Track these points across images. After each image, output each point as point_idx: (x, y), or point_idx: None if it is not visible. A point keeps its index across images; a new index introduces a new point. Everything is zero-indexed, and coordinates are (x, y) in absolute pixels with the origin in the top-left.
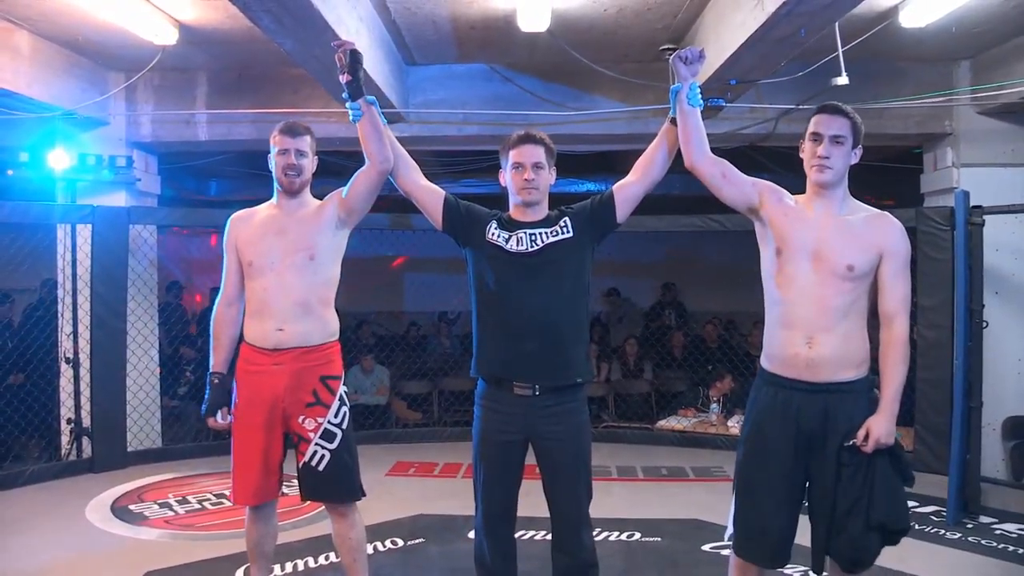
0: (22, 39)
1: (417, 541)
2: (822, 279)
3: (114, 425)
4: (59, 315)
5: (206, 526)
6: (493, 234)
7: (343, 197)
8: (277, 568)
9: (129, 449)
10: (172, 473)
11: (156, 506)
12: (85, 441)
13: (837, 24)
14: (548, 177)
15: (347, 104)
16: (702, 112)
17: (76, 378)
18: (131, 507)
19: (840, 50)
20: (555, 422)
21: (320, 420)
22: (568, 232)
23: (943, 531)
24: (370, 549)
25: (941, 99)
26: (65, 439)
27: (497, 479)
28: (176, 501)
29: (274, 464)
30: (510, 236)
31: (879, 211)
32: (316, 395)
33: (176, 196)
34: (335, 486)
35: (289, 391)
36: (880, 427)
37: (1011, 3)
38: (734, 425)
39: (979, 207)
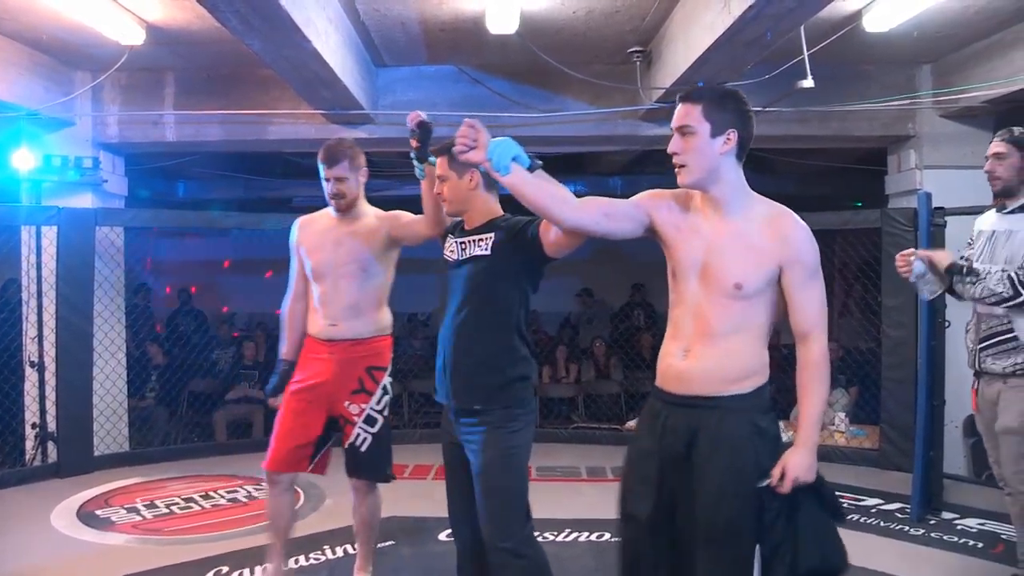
0: None
1: (388, 543)
2: (708, 298)
3: (80, 429)
4: (23, 318)
5: (174, 531)
6: (445, 245)
7: (396, 225)
8: (258, 570)
9: (96, 453)
10: (140, 477)
11: (123, 511)
12: (50, 446)
13: (803, 27)
14: (457, 185)
15: (415, 166)
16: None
17: (41, 382)
18: (98, 512)
19: (806, 53)
20: (468, 433)
21: (364, 406)
22: (486, 250)
23: (907, 527)
24: (341, 552)
25: (904, 102)
26: (30, 444)
27: (447, 479)
28: (144, 506)
29: (310, 438)
30: (451, 244)
31: (780, 210)
32: (361, 383)
33: (148, 197)
34: (372, 467)
35: (337, 378)
36: (797, 463)
37: (970, 9)
38: None
39: (941, 208)
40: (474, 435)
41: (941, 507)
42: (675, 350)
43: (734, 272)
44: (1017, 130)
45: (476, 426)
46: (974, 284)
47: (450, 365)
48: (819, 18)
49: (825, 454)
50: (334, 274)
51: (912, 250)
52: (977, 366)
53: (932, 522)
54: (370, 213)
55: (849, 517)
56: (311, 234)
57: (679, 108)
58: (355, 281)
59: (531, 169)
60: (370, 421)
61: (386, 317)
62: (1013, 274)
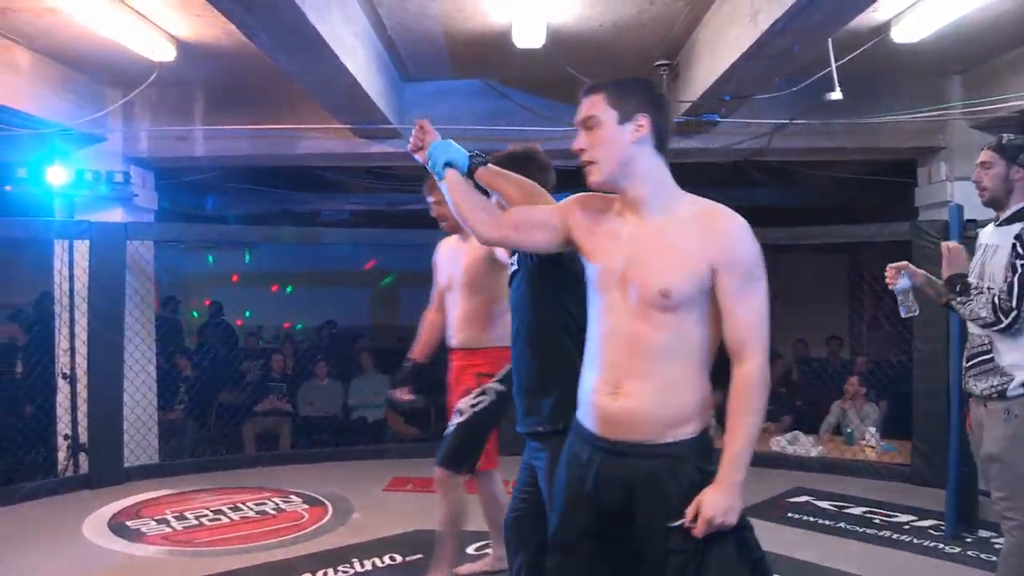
0: (21, 56)
1: (416, 557)
2: (634, 310)
3: (111, 441)
4: (56, 331)
5: (204, 542)
6: None
7: None
8: None
9: (126, 465)
10: (169, 489)
11: (153, 522)
12: (82, 457)
13: (830, 40)
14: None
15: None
16: (690, 127)
17: (73, 393)
18: (128, 523)
19: (833, 65)
20: (536, 459)
21: (461, 401)
22: (515, 264)
23: (942, 545)
24: (369, 565)
25: (934, 113)
26: (62, 455)
27: (514, 496)
28: (173, 517)
29: None
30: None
31: (712, 206)
32: (468, 387)
33: (174, 210)
34: (443, 451)
35: (454, 384)
36: (714, 502)
37: (1002, 19)
38: None
39: (973, 221)
40: (540, 461)
41: (977, 525)
42: (602, 383)
43: (658, 277)
44: (1006, 137)
45: (541, 451)
46: (963, 304)
47: (515, 389)
48: (847, 30)
49: (855, 468)
50: (451, 287)
51: (905, 263)
52: (964, 386)
53: (968, 540)
54: None
55: (882, 533)
56: (442, 251)
57: (582, 101)
58: (465, 295)
59: (471, 171)
60: (458, 412)
61: (499, 329)
62: (995, 299)
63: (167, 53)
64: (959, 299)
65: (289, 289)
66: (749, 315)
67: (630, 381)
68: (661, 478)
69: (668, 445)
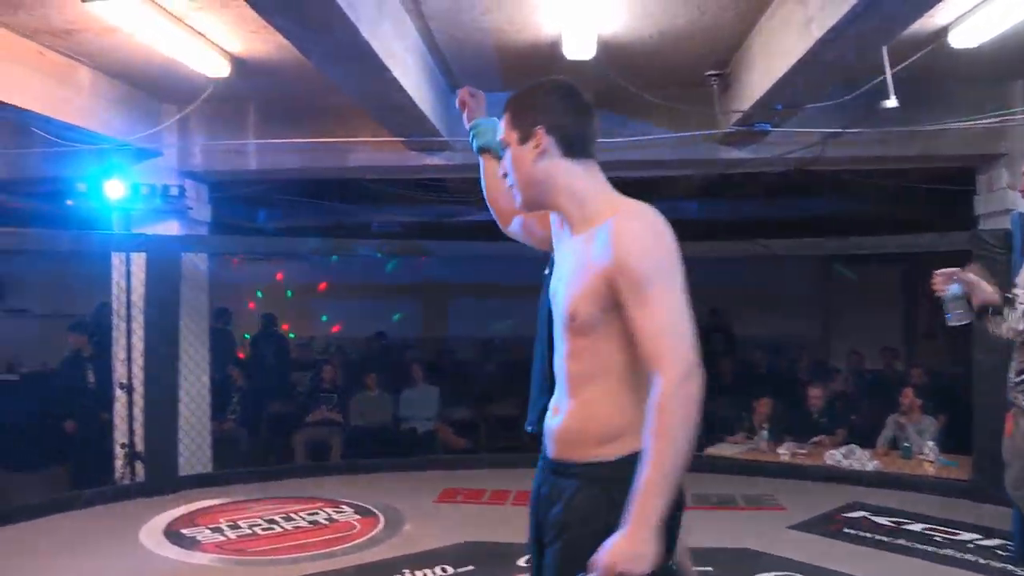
0: (83, 74)
1: (467, 568)
2: (559, 334)
3: (166, 450)
4: (114, 341)
5: (258, 551)
6: None
7: None
8: None
9: (181, 473)
10: (223, 498)
11: (208, 531)
12: (138, 465)
13: (885, 47)
14: None
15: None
16: (744, 136)
17: (130, 403)
18: (184, 531)
19: (888, 72)
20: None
21: None
22: (546, 269)
23: (1011, 566)
24: None
25: (994, 119)
26: (119, 463)
27: None
28: (228, 526)
29: None
30: None
31: (617, 212)
32: None
33: (227, 223)
34: None
35: None
36: (615, 546)
37: None
38: (784, 452)
39: None
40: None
41: None
42: (552, 405)
43: (565, 300)
44: None
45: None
46: (999, 325)
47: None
48: (903, 36)
49: (913, 483)
50: None
51: (956, 270)
52: (1012, 400)
53: None
54: None
55: (943, 551)
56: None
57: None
58: None
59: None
60: None
61: None
62: None
63: (222, 69)
64: (995, 319)
65: (324, 318)
66: (651, 328)
67: (563, 402)
68: (568, 500)
69: (581, 466)
